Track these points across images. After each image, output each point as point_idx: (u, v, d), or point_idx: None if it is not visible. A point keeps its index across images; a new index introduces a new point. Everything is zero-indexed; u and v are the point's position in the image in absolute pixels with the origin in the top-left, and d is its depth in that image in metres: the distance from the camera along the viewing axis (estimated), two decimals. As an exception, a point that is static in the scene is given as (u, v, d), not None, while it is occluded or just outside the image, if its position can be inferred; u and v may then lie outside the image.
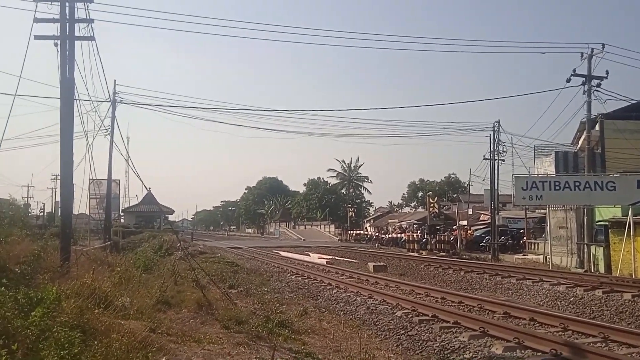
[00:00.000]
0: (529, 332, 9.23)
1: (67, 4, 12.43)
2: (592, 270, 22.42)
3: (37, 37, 12.59)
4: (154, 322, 7.56)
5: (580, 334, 9.61)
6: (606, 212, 22.95)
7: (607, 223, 22.14)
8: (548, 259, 25.53)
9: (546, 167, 30.23)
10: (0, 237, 7.36)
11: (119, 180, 48.42)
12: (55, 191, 56.32)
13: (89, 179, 30.67)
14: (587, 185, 22.86)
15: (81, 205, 32.67)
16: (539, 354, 8.17)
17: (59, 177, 14.95)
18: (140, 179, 22.63)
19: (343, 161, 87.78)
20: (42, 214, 57.74)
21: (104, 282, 8.60)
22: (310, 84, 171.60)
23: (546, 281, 17.37)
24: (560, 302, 14.46)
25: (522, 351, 8.39)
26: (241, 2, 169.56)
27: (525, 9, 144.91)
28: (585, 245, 23.87)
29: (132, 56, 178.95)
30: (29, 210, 49.69)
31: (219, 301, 11.11)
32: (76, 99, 13.19)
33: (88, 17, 13.12)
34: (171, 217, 72.32)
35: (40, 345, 4.37)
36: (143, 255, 19.65)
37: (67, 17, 12.45)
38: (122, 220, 53.93)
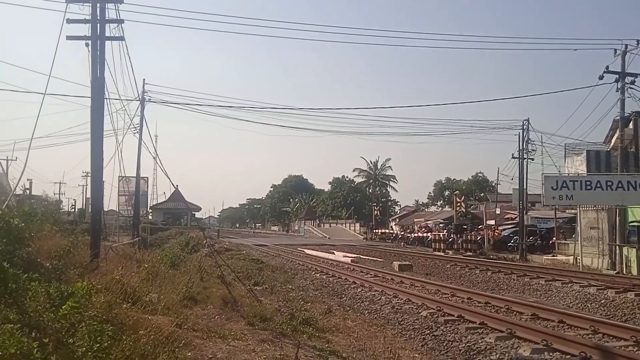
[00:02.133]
0: (558, 335, 9.05)
1: (97, 5, 12.70)
2: (624, 272, 21.84)
3: (68, 38, 12.90)
4: (180, 317, 7.67)
5: (611, 337, 9.37)
6: (639, 213, 22.32)
7: (640, 224, 21.55)
8: (578, 260, 24.98)
9: (577, 166, 29.55)
10: (32, 233, 7.55)
11: (147, 177, 49.40)
12: (86, 188, 57.66)
13: (119, 177, 31.37)
14: (620, 185, 22.30)
15: (111, 201, 33.38)
16: (568, 357, 8.00)
17: (89, 175, 15.32)
18: (168, 177, 23.08)
19: (371, 161, 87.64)
20: (73, 210, 59.13)
21: (132, 278, 8.76)
22: (335, 82, 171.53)
23: (576, 283, 17.01)
24: (591, 304, 14.13)
25: (551, 354, 8.23)
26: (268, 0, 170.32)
27: (557, 5, 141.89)
28: (617, 247, 23.26)
29: (161, 55, 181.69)
30: (61, 207, 51.07)
31: (244, 298, 11.21)
32: (106, 98, 13.49)
33: (118, 18, 13.39)
34: (198, 214, 73.27)
35: (71, 339, 4.47)
36: (170, 251, 19.95)
37: (98, 17, 12.72)
38: (150, 217, 54.90)
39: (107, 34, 13.06)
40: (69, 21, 12.68)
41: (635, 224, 22.47)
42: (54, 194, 61.71)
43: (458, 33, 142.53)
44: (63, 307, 4.99)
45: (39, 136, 28.59)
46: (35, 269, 7.13)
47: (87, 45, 12.75)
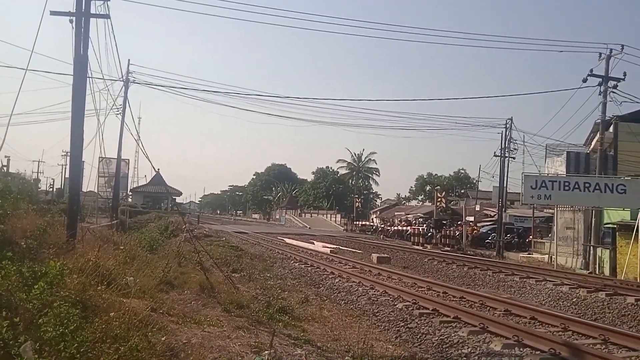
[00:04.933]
0: (529, 331, 9.22)
1: (83, -19, 12.41)
2: (597, 273, 22.31)
3: (52, 13, 12.62)
4: (155, 301, 7.63)
5: (580, 335, 9.57)
6: (615, 215, 22.79)
7: (615, 226, 21.98)
8: (553, 259, 25.43)
9: (557, 166, 30.01)
10: (7, 211, 7.41)
11: (129, 159, 48.80)
12: (65, 167, 56.73)
13: (99, 157, 30.82)
14: (597, 187, 22.68)
15: (90, 182, 32.92)
16: (538, 352, 8.16)
17: (69, 154, 15.09)
18: (149, 160, 22.84)
19: (355, 153, 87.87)
20: (51, 189, 58.24)
21: (108, 260, 8.67)
22: (322, 72, 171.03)
23: (550, 281, 17.32)
24: (563, 302, 14.42)
25: (521, 349, 8.39)
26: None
27: (543, 7, 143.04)
28: (591, 247, 23.73)
29: (147, 37, 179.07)
30: (39, 186, 50.25)
31: (221, 284, 11.19)
32: (89, 77, 13.24)
33: (104, -5, 13.10)
34: (179, 199, 72.78)
35: (40, 320, 4.42)
36: (149, 235, 19.80)
37: (83, -7, 12.44)
38: (129, 200, 54.35)
39: (93, 11, 12.80)
40: (53, -4, 12.39)
41: (610, 225, 22.91)
42: (33, 172, 60.69)
43: (446, 30, 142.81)
44: (35, 287, 4.93)
45: (19, 112, 28.01)
46: (10, 247, 7.03)
47: (71, 21, 12.46)
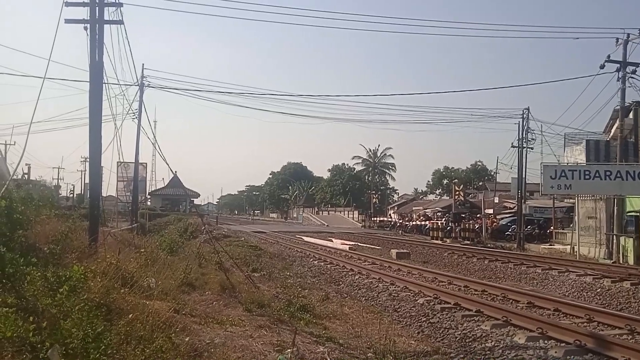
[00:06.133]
0: (553, 323, 9.10)
1: (96, -12, 12.56)
2: (621, 262, 21.94)
3: (67, 21, 12.80)
4: (178, 303, 7.70)
5: (605, 326, 9.43)
6: (637, 203, 22.38)
7: (638, 213, 21.60)
8: (575, 250, 25.08)
9: (576, 155, 29.54)
10: (30, 217, 7.53)
11: (146, 163, 49.46)
12: (85, 173, 57.58)
13: (117, 162, 31.37)
14: (619, 175, 22.31)
15: (109, 187, 33.44)
16: (563, 344, 8.05)
17: (88, 160, 15.30)
18: (167, 162, 23.08)
19: (370, 149, 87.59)
20: (71, 195, 59.17)
21: (130, 263, 8.78)
22: (335, 70, 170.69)
23: (572, 272, 17.08)
24: (587, 293, 14.21)
25: (545, 341, 8.28)
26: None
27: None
28: (614, 236, 23.34)
29: (160, 42, 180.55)
30: (59, 192, 51.13)
31: (242, 284, 11.25)
32: (105, 83, 13.41)
33: (117, 1, 13.27)
34: (196, 201, 73.36)
35: (66, 324, 4.48)
36: (168, 237, 19.99)
37: (97, 0, 12.61)
38: (148, 203, 54.96)
39: (106, 17, 12.95)
40: (67, 4, 12.58)
41: (633, 213, 22.52)
42: (53, 179, 61.72)
43: (458, 21, 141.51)
44: (60, 291, 5.01)
45: (38, 120, 28.54)
46: (34, 253, 7.14)
47: (85, 29, 12.65)
